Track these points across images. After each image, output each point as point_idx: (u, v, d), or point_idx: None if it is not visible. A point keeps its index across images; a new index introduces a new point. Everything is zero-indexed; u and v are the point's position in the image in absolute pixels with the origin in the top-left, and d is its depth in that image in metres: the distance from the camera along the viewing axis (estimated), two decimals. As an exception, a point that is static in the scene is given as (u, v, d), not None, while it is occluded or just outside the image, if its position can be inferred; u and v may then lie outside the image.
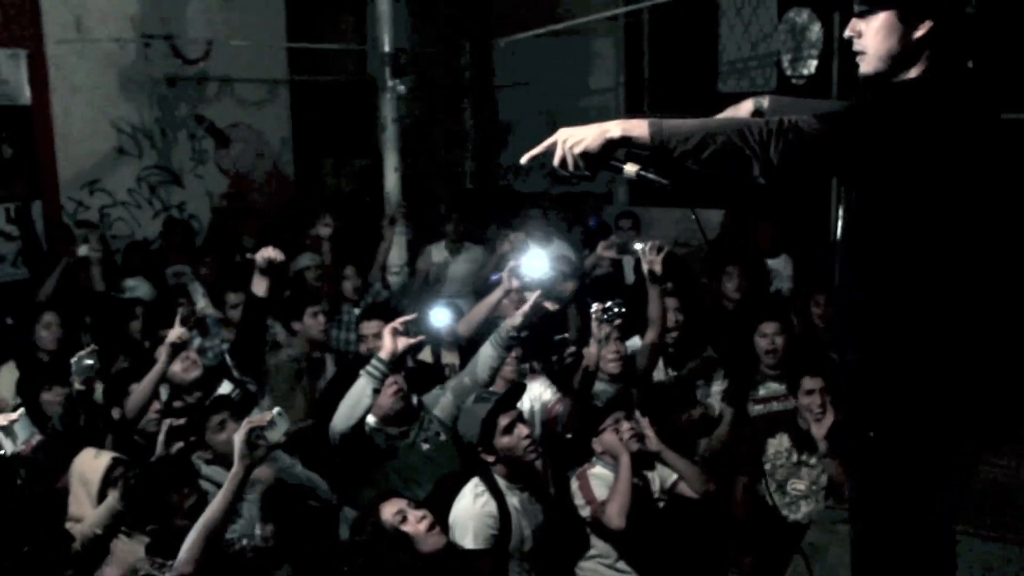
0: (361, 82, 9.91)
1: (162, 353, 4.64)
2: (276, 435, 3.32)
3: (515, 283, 5.07)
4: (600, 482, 4.26)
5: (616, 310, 4.55)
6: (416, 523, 3.43)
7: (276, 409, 3.31)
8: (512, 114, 11.35)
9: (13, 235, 8.12)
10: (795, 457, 4.74)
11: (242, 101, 9.75)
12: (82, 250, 6.84)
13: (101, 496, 3.98)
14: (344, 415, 4.16)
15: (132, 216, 8.93)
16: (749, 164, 2.35)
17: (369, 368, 4.19)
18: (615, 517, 4.04)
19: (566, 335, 5.69)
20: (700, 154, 2.35)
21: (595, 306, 4.56)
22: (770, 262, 7.41)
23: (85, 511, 4.00)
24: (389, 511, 3.44)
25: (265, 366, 5.32)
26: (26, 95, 8.21)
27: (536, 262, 5.01)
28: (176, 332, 4.67)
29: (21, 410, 2.78)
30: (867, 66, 2.54)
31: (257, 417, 3.40)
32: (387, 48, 7.41)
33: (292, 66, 10.07)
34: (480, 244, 7.90)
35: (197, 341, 5.74)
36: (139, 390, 4.63)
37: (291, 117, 10.21)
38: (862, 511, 2.82)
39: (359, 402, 4.15)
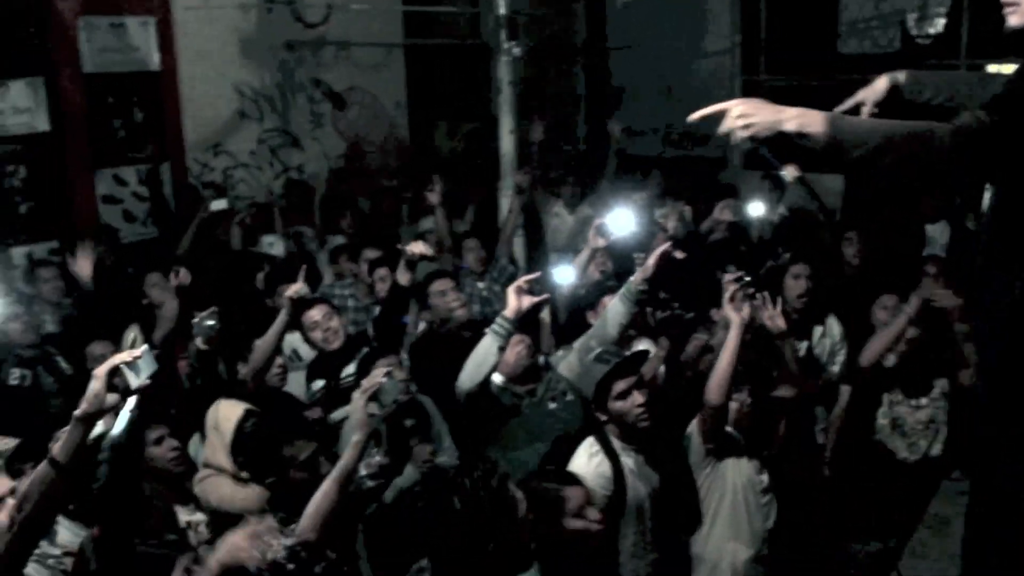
0: (474, 45, 9.94)
1: (282, 308, 4.78)
2: (388, 399, 3.44)
3: (600, 241, 5.06)
4: None
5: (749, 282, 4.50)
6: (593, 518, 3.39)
7: (386, 372, 3.43)
8: (625, 78, 11.25)
9: (143, 196, 8.46)
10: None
11: (358, 65, 9.89)
12: (215, 204, 7.09)
13: (234, 445, 4.16)
14: (470, 373, 4.18)
15: (253, 177, 9.19)
16: (931, 170, 2.28)
17: (495, 326, 4.19)
18: (713, 391, 3.89)
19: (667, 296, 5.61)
20: (878, 160, 2.25)
21: (729, 275, 4.50)
22: (929, 227, 7.23)
23: (220, 459, 4.18)
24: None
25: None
26: (155, 61, 8.53)
27: (622, 219, 4.99)
28: (295, 287, 4.79)
29: (145, 346, 2.86)
30: (1020, 18, 2.35)
31: (368, 382, 3.51)
32: (502, 11, 7.41)
33: (407, 30, 10.16)
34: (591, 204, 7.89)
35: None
36: (262, 346, 4.77)
37: (406, 80, 10.33)
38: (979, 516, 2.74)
39: (485, 360, 4.15)
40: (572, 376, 4.42)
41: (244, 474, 4.11)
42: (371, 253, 6.45)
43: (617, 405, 3.84)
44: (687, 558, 4.11)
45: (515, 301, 4.19)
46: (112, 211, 8.33)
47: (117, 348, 5.34)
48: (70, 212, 8.08)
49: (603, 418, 3.88)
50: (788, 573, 4.25)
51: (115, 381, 2.80)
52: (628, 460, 3.87)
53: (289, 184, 9.13)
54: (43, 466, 2.82)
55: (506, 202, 7.57)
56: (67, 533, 3.75)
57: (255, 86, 9.19)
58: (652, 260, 4.37)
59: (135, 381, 2.79)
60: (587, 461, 3.82)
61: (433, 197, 6.96)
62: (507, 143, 7.62)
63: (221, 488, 4.13)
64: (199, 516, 4.03)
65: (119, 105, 8.41)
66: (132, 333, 5.78)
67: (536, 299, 4.25)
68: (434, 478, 3.92)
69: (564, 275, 5.35)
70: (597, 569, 3.45)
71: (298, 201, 8.73)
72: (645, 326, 5.10)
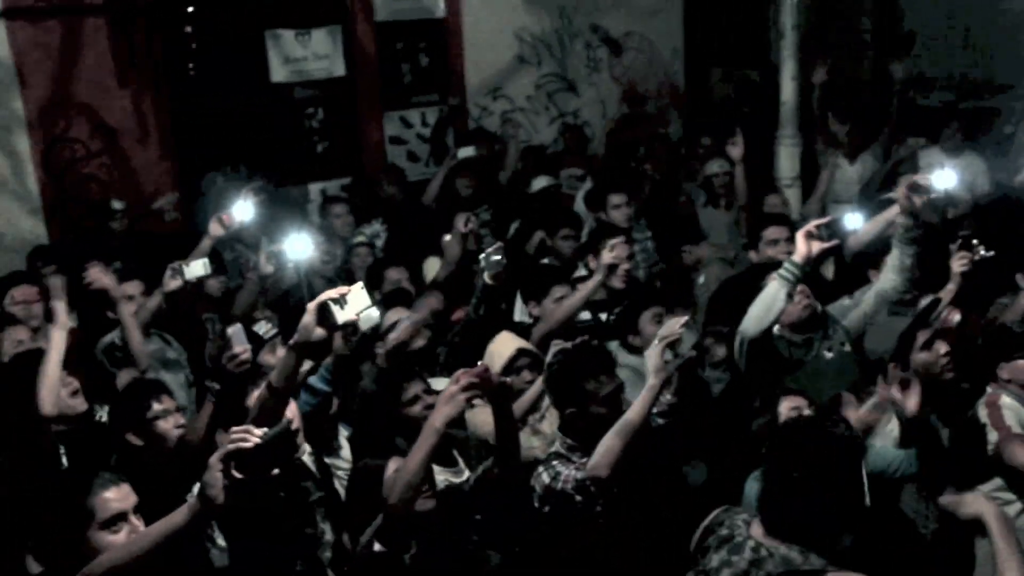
0: (753, -10, 9.64)
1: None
2: (684, 348, 3.45)
3: (918, 200, 4.74)
4: (1011, 413, 3.90)
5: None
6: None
7: (684, 322, 3.45)
8: (917, 21, 10.49)
9: (426, 137, 8.87)
10: None
11: (636, 10, 9.81)
12: (462, 152, 7.36)
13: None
14: (756, 318, 4.06)
15: (530, 122, 9.38)
16: None
17: (782, 271, 4.06)
18: (1018, 453, 3.70)
19: None
20: None
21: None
22: None
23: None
24: (787, 405, 3.37)
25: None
26: (441, 9, 8.88)
27: (944, 177, 4.67)
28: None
29: (359, 284, 2.93)
30: None
31: (666, 331, 3.52)
32: (786, -49, 7.12)
33: (686, -25, 9.99)
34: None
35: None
36: (566, 306, 4.83)
37: (683, 26, 10.15)
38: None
39: (772, 306, 4.03)
40: (854, 329, 4.26)
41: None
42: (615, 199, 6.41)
43: (922, 356, 3.66)
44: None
45: (804, 246, 4.04)
46: (398, 151, 8.80)
47: (411, 274, 5.69)
48: (361, 152, 8.59)
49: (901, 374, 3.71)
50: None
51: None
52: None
53: (565, 129, 9.26)
54: (262, 388, 3.06)
55: (784, 152, 7.33)
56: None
57: (534, 32, 9.34)
58: (903, 192, 4.14)
59: (340, 317, 2.84)
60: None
61: (734, 151, 6.68)
62: (788, 90, 7.35)
63: (487, 419, 4.30)
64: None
65: (407, 51, 8.84)
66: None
67: (825, 244, 4.09)
68: None
69: (853, 222, 5.10)
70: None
71: (574, 145, 8.85)
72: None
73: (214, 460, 2.38)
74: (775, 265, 4.23)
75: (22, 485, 3.53)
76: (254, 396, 3.39)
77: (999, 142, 8.29)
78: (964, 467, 3.85)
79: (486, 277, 4.54)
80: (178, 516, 2.43)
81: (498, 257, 4.54)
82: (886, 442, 3.62)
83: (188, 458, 3.61)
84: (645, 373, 3.49)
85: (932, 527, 3.75)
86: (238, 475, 2.37)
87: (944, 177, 4.63)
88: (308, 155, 8.47)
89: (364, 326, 3.07)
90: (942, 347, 3.71)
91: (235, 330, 3.84)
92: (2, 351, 4.57)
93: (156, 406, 3.84)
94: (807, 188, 7.41)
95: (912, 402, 3.35)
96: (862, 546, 3.12)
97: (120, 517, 2.68)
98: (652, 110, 10.01)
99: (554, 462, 3.42)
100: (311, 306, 2.88)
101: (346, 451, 4.12)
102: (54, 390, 3.88)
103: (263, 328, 4.36)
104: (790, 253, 4.93)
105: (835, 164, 7.28)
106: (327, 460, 3.90)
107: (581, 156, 8.63)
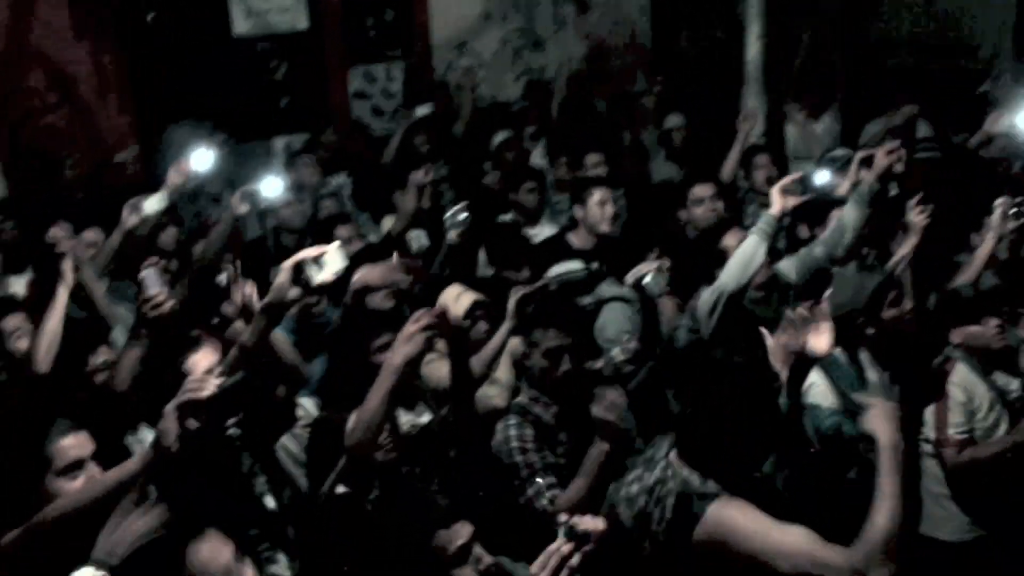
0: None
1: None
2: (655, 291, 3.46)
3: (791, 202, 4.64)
4: (959, 391, 3.95)
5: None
6: None
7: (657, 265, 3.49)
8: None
9: (391, 92, 8.80)
10: None
11: (603, -34, 9.77)
12: (420, 110, 7.41)
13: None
14: (735, 274, 3.99)
15: (496, 78, 9.32)
16: None
17: (761, 226, 4.05)
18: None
19: None
20: None
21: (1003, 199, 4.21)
22: None
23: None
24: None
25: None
26: (407, -40, 8.76)
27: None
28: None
29: (336, 243, 2.88)
30: None
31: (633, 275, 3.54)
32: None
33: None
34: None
35: None
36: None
37: (650, -17, 10.11)
38: None
39: (752, 261, 3.98)
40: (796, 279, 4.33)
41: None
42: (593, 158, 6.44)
43: (891, 312, 3.74)
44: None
45: (780, 200, 4.08)
46: (362, 106, 8.72)
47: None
48: (325, 106, 8.51)
49: (870, 331, 3.77)
50: None
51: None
52: (873, 376, 3.78)
53: (529, 86, 9.21)
54: (233, 348, 2.99)
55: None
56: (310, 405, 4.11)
57: (501, -14, 9.26)
58: (881, 156, 4.16)
59: (317, 276, 2.78)
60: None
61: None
62: (753, 50, 7.36)
63: (441, 370, 4.31)
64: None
65: (371, 5, 8.73)
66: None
67: (800, 199, 4.14)
68: None
69: (823, 178, 5.11)
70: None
71: (538, 103, 8.81)
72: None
73: (169, 408, 2.39)
74: None
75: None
76: (197, 360, 3.35)
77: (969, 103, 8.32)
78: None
79: (451, 235, 4.54)
80: (131, 464, 2.44)
81: (464, 215, 4.55)
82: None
83: (115, 404, 3.53)
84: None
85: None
86: (193, 424, 2.37)
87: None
88: (272, 109, 8.38)
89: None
90: (908, 303, 3.77)
91: (147, 273, 3.62)
92: None
93: (94, 360, 3.82)
94: (770, 145, 7.43)
95: (823, 341, 3.33)
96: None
97: (77, 464, 2.68)
98: (617, 68, 9.95)
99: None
100: (286, 265, 2.81)
101: (308, 405, 4.13)
102: (52, 349, 3.83)
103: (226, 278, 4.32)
104: (715, 211, 5.00)
105: (798, 122, 7.32)
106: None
107: (544, 113, 8.59)
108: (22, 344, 4.16)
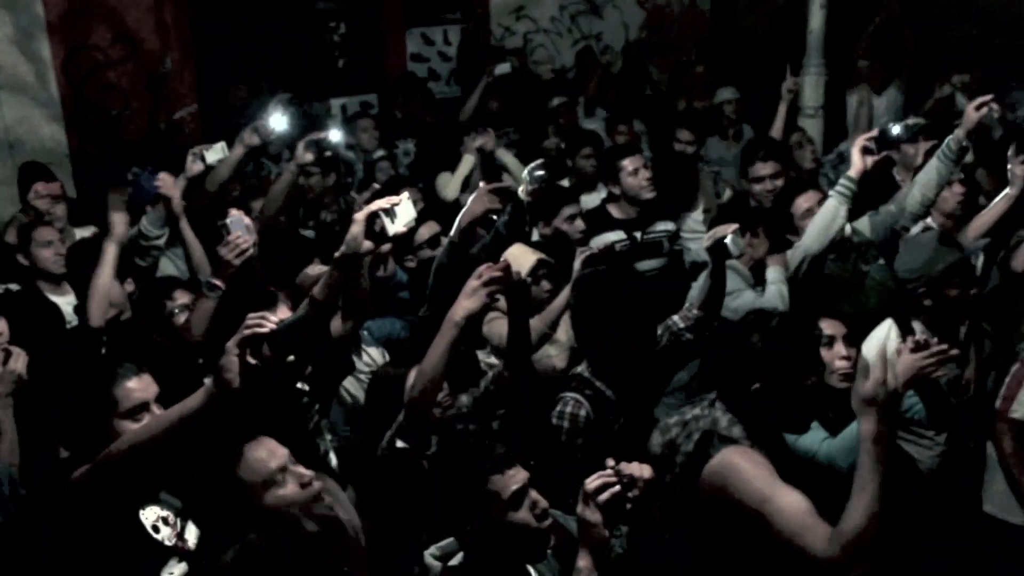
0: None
1: None
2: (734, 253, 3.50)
3: (870, 161, 4.56)
4: None
5: None
6: (837, 356, 3.35)
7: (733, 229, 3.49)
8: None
9: (448, 56, 8.80)
10: None
11: (663, -67, 9.67)
12: (499, 69, 7.29)
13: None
14: (817, 235, 4.12)
15: (552, 43, 9.29)
16: None
17: (839, 188, 4.13)
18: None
19: None
20: None
21: None
22: None
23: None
24: (825, 327, 3.35)
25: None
26: (467, -76, 8.74)
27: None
28: None
29: (405, 194, 2.80)
30: None
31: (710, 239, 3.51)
32: None
33: None
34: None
35: None
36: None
37: (712, -49, 10.01)
38: None
39: (833, 222, 4.10)
40: (877, 237, 4.32)
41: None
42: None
43: (955, 292, 3.73)
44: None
45: (859, 160, 4.12)
46: (419, 69, 8.74)
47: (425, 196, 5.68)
48: (383, 68, 8.53)
49: (927, 302, 3.73)
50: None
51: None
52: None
53: (581, 53, 9.15)
54: (305, 302, 2.91)
55: (810, 81, 7.22)
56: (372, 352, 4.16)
57: (561, -48, 9.21)
58: (971, 111, 4.11)
59: (391, 228, 2.73)
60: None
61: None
62: (816, 19, 7.22)
63: (503, 328, 4.32)
64: None
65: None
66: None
67: (878, 156, 4.16)
68: None
69: (897, 129, 5.00)
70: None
71: (590, 70, 8.76)
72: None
73: (231, 344, 2.39)
74: None
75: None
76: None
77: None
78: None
79: (522, 192, 4.52)
80: (194, 400, 2.45)
81: (541, 173, 4.52)
82: None
83: (192, 353, 3.61)
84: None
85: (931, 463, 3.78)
86: (254, 360, 2.40)
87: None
88: (329, 70, 8.42)
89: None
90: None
91: (234, 218, 3.70)
92: (32, 252, 4.59)
93: (169, 303, 3.89)
94: (829, 119, 7.34)
95: None
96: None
97: (142, 407, 2.73)
98: (676, 36, 9.86)
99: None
100: (359, 216, 2.75)
101: (374, 353, 4.18)
102: (103, 303, 3.92)
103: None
104: (774, 189, 4.91)
105: (863, 98, 7.21)
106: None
107: (601, 81, 8.53)
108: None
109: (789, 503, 2.43)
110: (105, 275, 3.96)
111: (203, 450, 2.65)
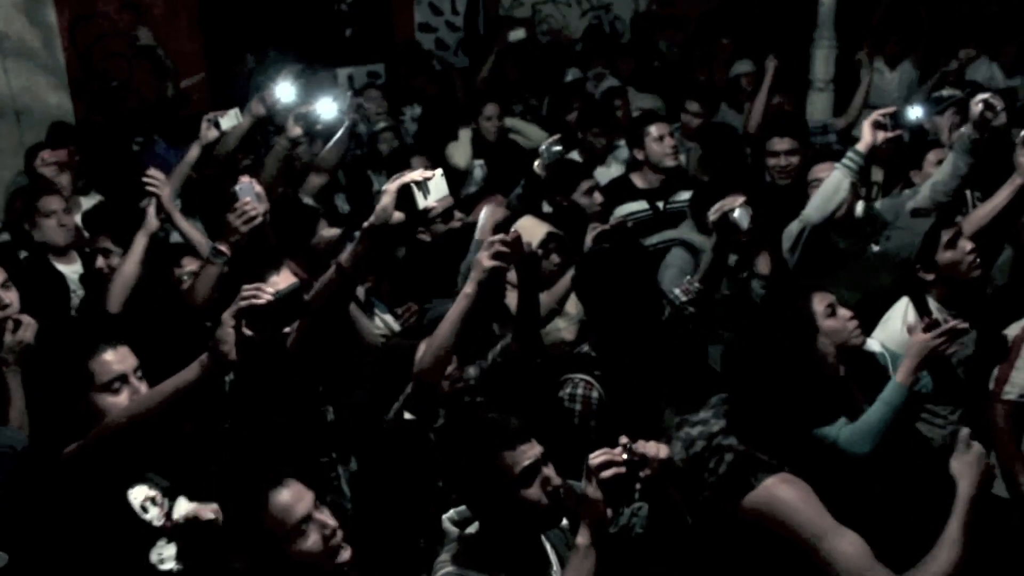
0: None
1: None
2: (743, 225, 3.46)
3: (881, 136, 4.51)
4: None
5: None
6: (845, 319, 3.29)
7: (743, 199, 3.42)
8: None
9: (456, 25, 8.73)
10: None
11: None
12: (513, 35, 7.19)
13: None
14: (819, 206, 4.08)
15: (561, 14, 9.21)
16: None
17: (846, 160, 4.08)
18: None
19: None
20: None
21: None
22: None
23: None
24: (818, 302, 3.21)
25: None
26: None
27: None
28: None
29: (439, 171, 2.73)
30: None
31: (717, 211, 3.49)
32: None
33: None
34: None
35: None
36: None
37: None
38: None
39: (835, 194, 4.05)
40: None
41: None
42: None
43: (947, 256, 3.63)
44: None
45: (870, 135, 4.05)
46: (427, 39, 8.68)
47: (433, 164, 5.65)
48: (391, 37, 8.47)
49: (928, 277, 3.69)
50: None
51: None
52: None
53: (589, 29, 9.07)
54: (331, 269, 2.86)
55: (820, 54, 7.15)
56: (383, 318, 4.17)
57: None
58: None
59: (422, 202, 2.66)
60: (901, 326, 3.63)
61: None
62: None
63: (513, 300, 4.30)
64: None
65: (439, -65, 8.66)
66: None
67: (891, 134, 4.08)
68: None
69: (915, 113, 4.99)
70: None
71: (599, 43, 8.69)
72: None
73: (227, 316, 2.37)
74: None
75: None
76: (276, 282, 3.34)
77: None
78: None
79: (538, 166, 4.49)
80: (190, 372, 2.43)
81: (558, 148, 4.48)
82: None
83: (194, 319, 3.59)
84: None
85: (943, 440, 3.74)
86: (249, 332, 2.38)
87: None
88: (337, 39, 8.36)
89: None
90: (967, 244, 3.66)
91: (243, 185, 3.70)
92: (36, 222, 4.56)
93: (178, 270, 3.90)
94: (839, 92, 7.28)
95: None
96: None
97: (120, 379, 2.71)
98: (684, 8, 9.76)
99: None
100: (391, 187, 2.67)
101: (389, 319, 4.18)
102: (124, 292, 3.88)
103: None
104: (790, 165, 4.89)
105: (876, 70, 7.14)
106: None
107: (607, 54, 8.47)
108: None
109: (848, 544, 2.39)
110: (131, 264, 3.89)
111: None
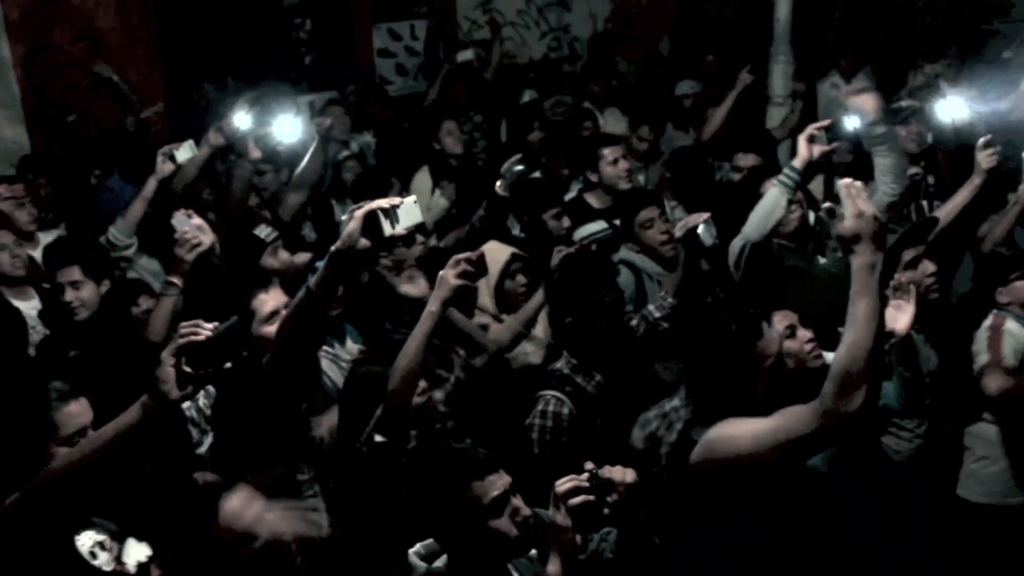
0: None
1: None
2: (708, 241, 3.47)
3: (816, 150, 4.33)
4: (1012, 341, 3.87)
5: None
6: (804, 341, 3.32)
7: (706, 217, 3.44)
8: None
9: (415, 51, 8.75)
10: None
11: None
12: (461, 56, 7.21)
13: (498, 286, 4.31)
14: (757, 224, 4.08)
15: (520, 36, 9.25)
16: None
17: (782, 177, 4.09)
18: (992, 382, 3.76)
19: None
20: None
21: None
22: None
23: (484, 300, 4.35)
24: (779, 320, 3.18)
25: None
26: (432, -83, 8.69)
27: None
28: None
29: (412, 197, 2.68)
30: None
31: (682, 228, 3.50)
32: None
33: None
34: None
35: None
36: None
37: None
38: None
39: (773, 212, 4.05)
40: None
41: (503, 316, 4.27)
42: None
43: (907, 275, 3.63)
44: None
45: (805, 150, 4.06)
46: (386, 64, 8.68)
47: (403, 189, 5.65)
48: (350, 64, 8.47)
49: (887, 294, 3.71)
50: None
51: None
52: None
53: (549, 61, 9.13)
54: (301, 292, 2.85)
55: (778, 70, 7.23)
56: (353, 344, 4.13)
57: (530, -58, 9.18)
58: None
59: (388, 229, 2.60)
60: None
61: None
62: (784, 7, 7.22)
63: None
64: None
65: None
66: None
67: (826, 147, 4.11)
68: None
69: (853, 123, 5.00)
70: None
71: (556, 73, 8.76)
72: None
73: (166, 355, 2.34)
74: None
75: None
76: (264, 299, 3.39)
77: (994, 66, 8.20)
78: (947, 393, 3.91)
79: (500, 187, 4.49)
80: (130, 415, 2.38)
81: (520, 168, 4.49)
82: None
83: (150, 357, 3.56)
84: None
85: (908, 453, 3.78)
86: (189, 370, 2.35)
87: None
88: (296, 66, 8.34)
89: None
90: (929, 266, 3.70)
91: (179, 218, 3.86)
92: None
93: (135, 309, 3.90)
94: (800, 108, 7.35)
95: (903, 322, 3.34)
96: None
97: (82, 432, 2.63)
98: (644, 26, 9.84)
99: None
100: (358, 213, 2.63)
101: (351, 343, 4.15)
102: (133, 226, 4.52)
103: (263, 232, 4.34)
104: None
105: (833, 84, 7.24)
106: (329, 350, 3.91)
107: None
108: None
109: (769, 421, 2.39)
110: (141, 200, 4.47)
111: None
